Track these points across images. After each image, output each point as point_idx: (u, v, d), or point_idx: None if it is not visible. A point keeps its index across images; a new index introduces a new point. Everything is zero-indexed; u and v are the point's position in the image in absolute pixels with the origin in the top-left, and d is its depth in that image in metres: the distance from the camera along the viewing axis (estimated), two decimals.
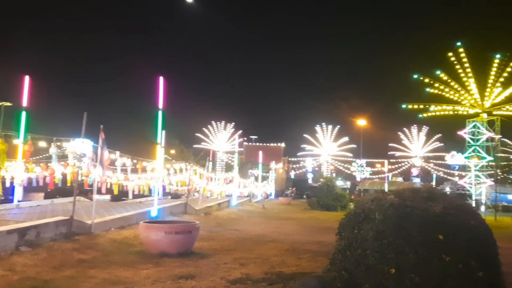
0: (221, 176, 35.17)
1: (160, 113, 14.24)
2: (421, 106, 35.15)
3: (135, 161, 21.08)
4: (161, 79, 14.29)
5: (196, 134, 78.43)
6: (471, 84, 33.20)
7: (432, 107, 34.91)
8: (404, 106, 35.73)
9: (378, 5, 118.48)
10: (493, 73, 32.32)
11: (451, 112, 34.81)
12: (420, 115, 36.06)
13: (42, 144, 22.91)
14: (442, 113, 35.06)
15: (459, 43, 32.56)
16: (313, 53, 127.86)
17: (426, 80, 34.25)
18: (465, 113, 34.29)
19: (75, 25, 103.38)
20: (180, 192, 29.71)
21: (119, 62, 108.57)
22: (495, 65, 32.06)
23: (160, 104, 14.24)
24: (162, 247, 9.23)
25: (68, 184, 20.23)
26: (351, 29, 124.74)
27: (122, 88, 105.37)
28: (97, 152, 12.66)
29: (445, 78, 33.72)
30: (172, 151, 56.33)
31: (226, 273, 7.82)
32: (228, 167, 65.28)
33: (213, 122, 79.54)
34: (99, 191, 19.51)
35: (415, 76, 34.70)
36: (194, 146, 71.26)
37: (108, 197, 25.22)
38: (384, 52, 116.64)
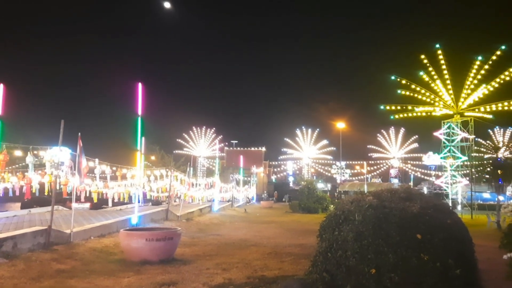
0: (202, 182, 34.98)
1: (139, 120, 14.11)
2: (398, 107, 35.84)
3: (114, 168, 20.76)
4: (139, 85, 14.18)
5: (177, 139, 78.01)
6: (447, 86, 34.04)
7: (410, 107, 35.61)
8: (382, 107, 36.35)
9: (356, 9, 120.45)
10: (472, 75, 33.20)
11: (424, 114, 35.56)
12: (392, 117, 36.75)
13: (18, 153, 22.34)
14: (414, 114, 35.74)
15: (437, 45, 33.39)
16: (292, 57, 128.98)
17: (403, 82, 34.95)
18: (439, 114, 35.10)
19: (51, 31, 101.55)
20: (161, 199, 29.44)
21: (96, 69, 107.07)
22: (475, 67, 32.94)
23: (139, 111, 14.11)
24: (143, 254, 9.13)
25: (46, 194, 19.79)
26: (329, 33, 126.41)
27: (99, 95, 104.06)
28: (75, 160, 12.45)
29: (426, 79, 34.38)
30: (153, 158, 55.70)
31: (209, 278, 7.80)
32: (209, 172, 65.06)
33: (194, 127, 79.28)
34: (78, 200, 19.15)
35: (393, 77, 35.38)
36: (174, 152, 70.66)
37: (87, 205, 24.77)
38: (361, 55, 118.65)
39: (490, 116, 33.57)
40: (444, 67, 33.37)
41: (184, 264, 9.17)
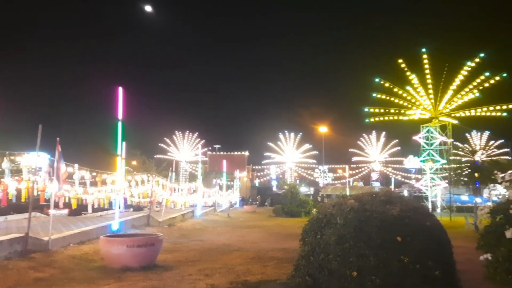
0: (184, 187, 34.71)
1: (119, 124, 13.93)
2: (382, 110, 36.38)
3: (94, 173, 20.42)
4: (120, 89, 14.01)
5: (159, 144, 77.27)
6: (428, 90, 34.73)
7: (392, 111, 36.18)
8: (366, 109, 36.74)
9: (338, 13, 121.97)
10: (456, 83, 33.95)
11: (401, 118, 36.17)
12: (367, 120, 37.30)
13: None
14: (391, 118, 36.32)
15: (423, 49, 34.06)
16: (274, 62, 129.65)
17: (387, 85, 35.48)
18: (417, 118, 35.76)
19: (28, 33, 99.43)
20: (142, 204, 29.07)
21: (75, 72, 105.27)
22: (459, 75, 33.72)
23: (120, 115, 13.93)
24: (124, 261, 8.99)
25: (23, 200, 19.31)
26: (311, 37, 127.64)
27: (78, 99, 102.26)
28: (54, 165, 12.20)
29: (414, 83, 34.94)
30: (134, 163, 55.04)
31: (191, 284, 7.72)
32: (192, 177, 64.64)
33: (176, 132, 78.72)
34: (56, 206, 18.72)
35: (377, 80, 35.85)
36: (156, 156, 69.95)
37: (65, 211, 24.24)
38: (343, 59, 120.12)
39: (504, 113, 34.08)
40: (427, 71, 34.06)
41: (166, 270, 9.06)
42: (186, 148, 78.90)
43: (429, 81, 34.29)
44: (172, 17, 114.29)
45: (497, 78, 32.96)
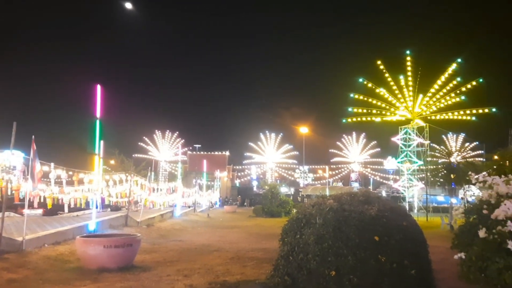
0: (164, 186, 34.37)
1: (97, 123, 13.69)
2: (364, 110, 36.86)
3: (70, 172, 20.01)
4: (98, 87, 13.77)
5: (139, 143, 76.33)
6: (409, 91, 35.37)
7: (374, 111, 36.70)
8: (350, 109, 37.13)
9: (319, 15, 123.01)
10: (436, 84, 34.65)
11: (379, 119, 36.73)
12: (344, 120, 37.78)
13: None
14: (368, 118, 36.84)
15: (408, 51, 34.67)
16: (255, 62, 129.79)
17: (370, 85, 35.92)
18: (395, 119, 36.40)
19: (3, 30, 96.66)
20: (120, 204, 28.65)
21: (51, 69, 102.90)
22: (438, 81, 34.43)
23: (98, 113, 13.69)
24: (101, 262, 8.84)
25: None
26: (292, 37, 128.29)
27: (55, 96, 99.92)
28: (29, 164, 11.89)
29: (392, 85, 35.45)
30: (112, 162, 54.14)
31: (169, 285, 7.65)
32: (172, 177, 64.05)
33: (156, 131, 77.90)
34: (31, 206, 18.27)
35: (360, 80, 36.26)
36: (134, 155, 68.98)
37: (40, 211, 23.67)
38: (323, 60, 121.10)
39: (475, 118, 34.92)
40: (409, 73, 34.65)
41: (144, 271, 8.95)
42: (166, 148, 78.21)
43: (410, 83, 34.91)
44: (152, 14, 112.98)
45: (474, 83, 33.89)
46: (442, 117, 35.48)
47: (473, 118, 34.59)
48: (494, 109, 34.12)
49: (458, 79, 34.09)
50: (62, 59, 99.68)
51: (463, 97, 33.96)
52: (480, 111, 34.18)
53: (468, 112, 34.48)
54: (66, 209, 22.61)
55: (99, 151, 14.15)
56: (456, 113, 34.94)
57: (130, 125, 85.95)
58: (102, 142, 14.12)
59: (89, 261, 9.03)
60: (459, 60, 34.25)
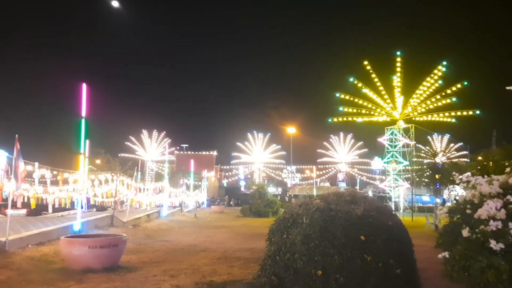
0: (150, 186, 34.10)
1: (83, 121, 13.51)
2: (355, 110, 37.05)
3: (55, 172, 19.72)
4: (83, 85, 13.59)
5: (125, 143, 75.58)
6: (395, 92, 35.69)
7: (364, 111, 36.91)
8: (341, 108, 37.16)
9: (306, 11, 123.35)
10: (423, 85, 35.01)
11: (366, 119, 36.99)
12: (330, 119, 37.97)
13: None
14: (354, 118, 37.06)
15: (398, 52, 34.94)
16: (243, 62, 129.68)
17: (359, 85, 36.10)
18: (381, 120, 36.72)
19: None
20: (106, 204, 28.33)
21: (36, 67, 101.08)
22: (435, 77, 34.81)
23: (83, 112, 13.52)
24: (86, 262, 8.74)
25: None
26: (279, 37, 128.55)
27: (39, 95, 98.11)
28: (12, 163, 11.68)
29: (379, 85, 35.68)
30: (98, 161, 53.54)
31: (155, 285, 7.60)
32: (159, 177, 63.59)
33: (143, 130, 77.23)
34: (14, 206, 17.97)
35: (351, 79, 36.34)
36: (120, 155, 68.27)
37: (23, 211, 23.27)
38: (312, 60, 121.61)
39: (453, 120, 35.43)
40: (398, 74, 34.96)
41: (129, 271, 8.87)
42: (153, 147, 77.63)
43: (399, 84, 35.23)
44: (139, 13, 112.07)
45: (459, 85, 34.42)
46: (427, 118, 35.96)
47: (453, 120, 35.20)
48: (478, 112, 34.73)
49: (440, 82, 34.60)
50: (47, 57, 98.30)
51: (454, 99, 34.43)
52: (465, 113, 34.74)
53: (453, 114, 35.02)
54: (50, 209, 22.27)
55: (85, 151, 13.98)
56: (441, 115, 35.42)
57: (116, 124, 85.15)
58: (87, 141, 13.95)
59: (73, 261, 8.92)
60: (444, 63, 34.76)
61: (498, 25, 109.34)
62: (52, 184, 20.73)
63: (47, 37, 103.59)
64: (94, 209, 27.07)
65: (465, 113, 34.67)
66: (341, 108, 36.98)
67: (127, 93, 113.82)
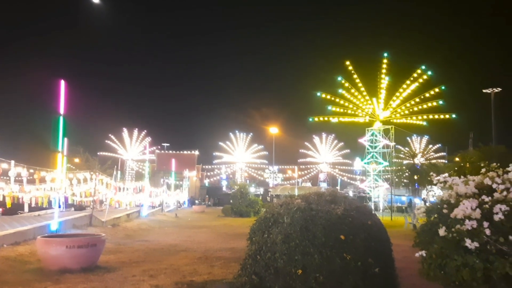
0: (130, 186, 33.68)
1: (61, 119, 13.23)
2: (342, 110, 37.31)
3: (32, 170, 19.28)
4: (62, 82, 13.32)
5: (105, 141, 74.38)
6: (378, 93, 36.13)
7: (349, 112, 37.21)
8: (330, 107, 37.27)
9: (288, 14, 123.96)
10: (403, 89, 35.55)
11: (346, 119, 37.36)
12: (311, 119, 38.22)
13: None
14: (336, 118, 37.38)
15: (386, 54, 35.38)
16: (224, 62, 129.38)
17: (346, 84, 36.34)
18: (362, 121, 37.17)
19: None
20: (85, 204, 27.86)
21: (10, 63, 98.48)
22: (403, 86, 35.36)
23: (61, 109, 13.24)
24: (63, 262, 8.57)
25: None
26: (262, 37, 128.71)
27: (16, 91, 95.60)
28: None
29: (360, 86, 36.06)
30: (76, 160, 52.58)
31: (134, 286, 7.51)
32: (139, 176, 62.86)
33: (124, 128, 76.17)
34: None
35: (339, 79, 36.51)
36: (100, 153, 67.18)
37: None
38: (294, 60, 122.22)
39: (424, 123, 36.17)
40: (383, 76, 35.37)
41: (108, 271, 8.74)
42: (133, 146, 76.68)
43: (383, 85, 35.66)
44: (120, 11, 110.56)
45: (436, 89, 35.14)
46: (406, 120, 36.60)
47: (424, 123, 36.04)
48: (454, 116, 35.55)
49: (418, 84, 35.28)
50: (24, 53, 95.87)
51: (440, 102, 35.10)
52: (442, 116, 35.52)
53: (431, 117, 35.77)
54: (26, 209, 21.76)
55: (63, 149, 13.70)
56: (419, 117, 36.11)
57: (96, 123, 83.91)
58: (65, 139, 13.68)
59: (50, 262, 8.73)
60: (423, 67, 35.44)
61: (478, 30, 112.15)
62: (28, 182, 20.27)
63: (24, 33, 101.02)
64: (72, 209, 26.60)
65: (442, 116, 35.47)
66: (329, 107, 37.09)
67: (107, 92, 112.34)
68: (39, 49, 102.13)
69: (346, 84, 36.42)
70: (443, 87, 35.16)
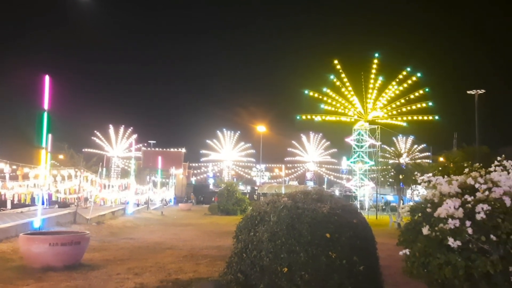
0: (116, 183, 33.34)
1: (45, 115, 13.02)
2: (333, 108, 37.45)
3: (14, 167, 18.92)
4: (46, 77, 13.09)
5: (92, 137, 73.32)
6: (366, 93, 36.41)
7: (339, 111, 37.42)
8: (322, 106, 37.34)
9: (277, 13, 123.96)
10: (396, 85, 35.88)
11: (334, 118, 37.58)
12: (298, 117, 38.32)
13: None
14: (323, 117, 37.56)
15: (376, 54, 35.58)
16: (212, 60, 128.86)
17: (337, 83, 36.47)
18: (349, 120, 37.43)
19: None
20: (69, 201, 27.49)
21: None
22: (390, 85, 35.67)
23: (45, 105, 13.02)
24: (46, 260, 8.45)
25: None
26: (251, 36, 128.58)
27: None
28: None
29: (348, 85, 36.24)
30: (61, 156, 51.86)
31: (119, 284, 7.44)
32: (125, 173, 62.29)
33: (110, 125, 75.21)
34: None
35: (332, 77, 36.55)
36: (85, 150, 66.32)
37: None
38: (282, 58, 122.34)
39: (405, 124, 36.65)
40: (372, 76, 35.61)
41: (92, 269, 8.65)
42: (119, 143, 75.84)
43: (371, 85, 35.91)
44: (107, 7, 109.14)
45: (421, 91, 35.62)
46: (389, 121, 37.07)
47: (404, 124, 36.57)
48: (437, 117, 36.10)
49: (408, 84, 35.72)
50: (8, 48, 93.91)
51: (430, 103, 35.55)
52: (426, 118, 36.04)
53: (415, 118, 36.27)
54: (9, 205, 21.39)
55: (47, 145, 13.49)
56: (404, 118, 36.57)
57: (81, 119, 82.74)
58: (50, 135, 13.47)
59: (33, 259, 8.61)
60: (408, 69, 35.86)
61: (465, 31, 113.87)
62: (11, 179, 19.90)
63: (9, 29, 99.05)
64: (56, 206, 26.21)
65: (426, 118, 36.00)
66: (322, 106, 37.11)
67: (94, 89, 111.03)
68: (24, 44, 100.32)
69: (338, 83, 36.50)
70: (427, 89, 35.68)
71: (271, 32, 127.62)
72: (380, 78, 35.87)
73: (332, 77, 36.59)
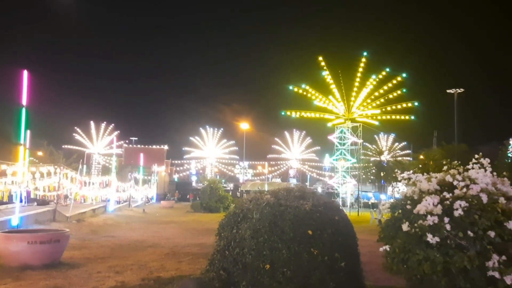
0: (96, 180, 32.88)
1: (23, 110, 12.72)
2: (325, 105, 37.54)
3: None
4: (25, 73, 12.79)
5: (73, 134, 71.97)
6: (351, 91, 36.69)
7: (325, 110, 37.56)
8: (316, 102, 37.34)
9: (258, 8, 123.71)
10: (386, 86, 36.21)
11: (318, 115, 37.70)
12: (283, 112, 38.28)
13: None
14: (308, 114, 37.67)
15: (365, 53, 35.75)
16: (194, 56, 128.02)
17: (328, 80, 36.52)
18: (332, 117, 37.72)
19: None
20: (48, 198, 26.99)
21: None
22: (372, 83, 35.97)
23: (24, 101, 12.73)
24: (24, 259, 8.28)
25: None
26: (234, 30, 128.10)
27: None
28: None
29: (330, 83, 36.39)
30: (40, 153, 50.76)
31: (99, 282, 7.34)
32: (105, 170, 61.45)
33: (91, 122, 73.96)
34: None
35: (324, 74, 36.52)
36: (64, 146, 65.08)
37: None
38: (265, 56, 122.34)
39: (377, 123, 37.24)
40: (359, 74, 35.77)
41: (72, 268, 8.52)
42: (100, 140, 74.68)
43: (356, 84, 36.10)
44: (88, 1, 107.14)
45: (399, 78, 36.01)
46: (371, 120, 37.52)
47: (376, 123, 37.11)
48: (412, 117, 36.33)
49: (392, 84, 36.13)
50: None
51: (416, 103, 35.85)
52: (402, 117, 36.34)
53: (393, 117, 36.71)
54: None
55: (25, 141, 13.20)
56: (384, 117, 37.03)
57: (61, 115, 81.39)
58: (28, 131, 13.18)
59: (11, 258, 8.43)
60: (387, 69, 36.27)
61: (447, 31, 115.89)
62: None
63: None
64: (35, 203, 25.70)
65: (403, 117, 36.49)
66: (316, 102, 36.96)
67: (74, 85, 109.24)
68: (1, 39, 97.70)
69: (323, 79, 36.49)
70: (404, 90, 35.89)
71: (254, 27, 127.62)
72: (374, 76, 35.99)
73: (323, 73, 36.41)
